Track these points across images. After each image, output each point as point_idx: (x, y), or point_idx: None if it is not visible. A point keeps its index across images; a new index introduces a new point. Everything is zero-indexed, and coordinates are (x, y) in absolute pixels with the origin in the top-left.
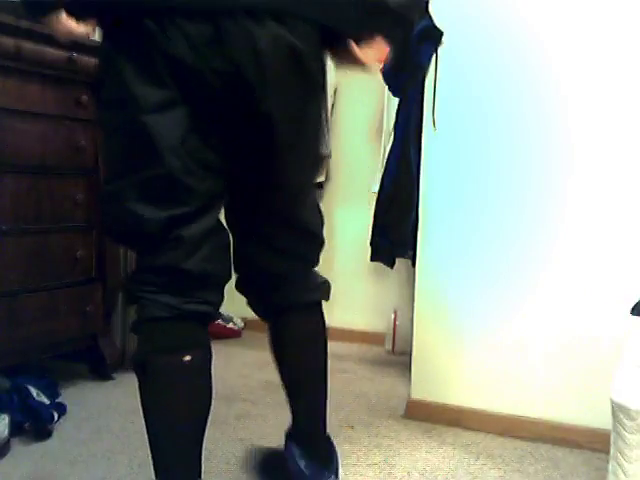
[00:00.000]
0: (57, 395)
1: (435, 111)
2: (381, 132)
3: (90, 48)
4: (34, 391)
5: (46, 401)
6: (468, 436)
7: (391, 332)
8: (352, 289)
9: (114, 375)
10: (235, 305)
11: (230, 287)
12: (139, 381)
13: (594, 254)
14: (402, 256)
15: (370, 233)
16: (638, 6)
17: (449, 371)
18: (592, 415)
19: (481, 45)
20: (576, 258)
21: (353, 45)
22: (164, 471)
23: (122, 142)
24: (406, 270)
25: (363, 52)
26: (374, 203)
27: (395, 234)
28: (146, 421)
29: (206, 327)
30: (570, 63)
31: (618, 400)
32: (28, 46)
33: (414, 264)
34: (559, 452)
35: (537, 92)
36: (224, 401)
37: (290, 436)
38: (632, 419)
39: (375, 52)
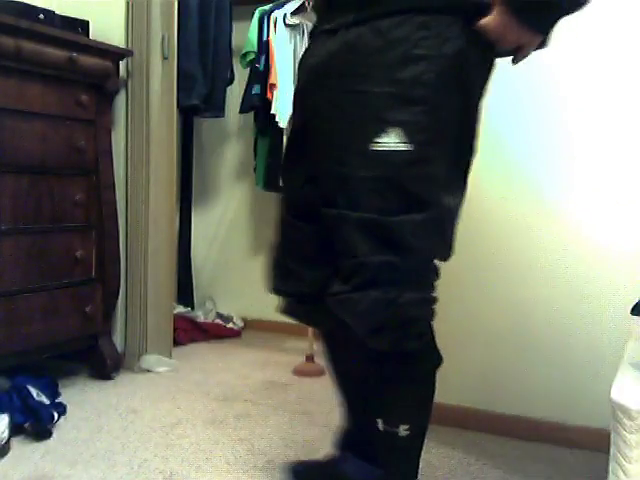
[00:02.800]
0: (57, 395)
1: None
2: None
3: (90, 48)
4: (34, 391)
5: (46, 401)
6: (468, 436)
7: None
8: None
9: (114, 375)
10: (235, 305)
11: (230, 286)
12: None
13: (594, 253)
14: None
15: None
16: (637, 5)
17: (449, 371)
18: (592, 415)
19: None
20: (576, 257)
21: None
22: None
23: None
24: None
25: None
26: None
27: None
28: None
29: None
30: (569, 62)
31: (618, 400)
32: (28, 46)
33: None
34: (559, 452)
35: (536, 91)
36: (224, 401)
37: (346, 444)
38: (632, 419)
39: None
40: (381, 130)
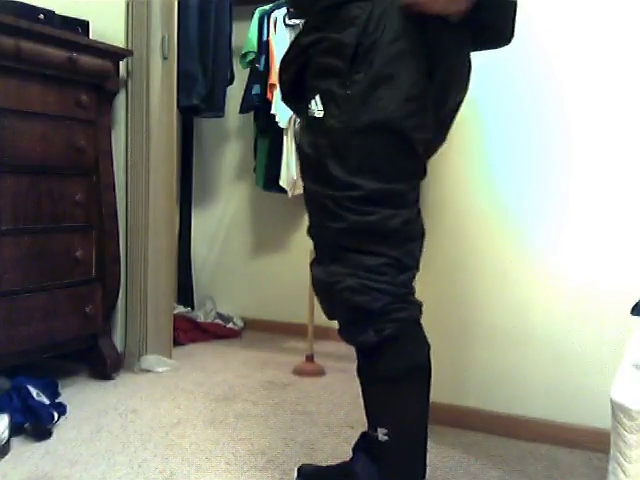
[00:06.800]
0: (57, 395)
1: None
2: None
3: (90, 48)
4: (34, 391)
5: (46, 401)
6: (468, 436)
7: None
8: None
9: (114, 375)
10: (235, 305)
11: (230, 286)
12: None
13: (593, 253)
14: None
15: None
16: (637, 6)
17: (449, 371)
18: (592, 415)
19: None
20: (576, 257)
21: None
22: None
23: None
24: None
25: None
26: None
27: None
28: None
29: None
30: (569, 63)
31: (618, 400)
32: (28, 46)
33: None
34: (559, 452)
35: (536, 92)
36: (224, 401)
37: (362, 446)
38: (632, 419)
39: None
40: (312, 97)
